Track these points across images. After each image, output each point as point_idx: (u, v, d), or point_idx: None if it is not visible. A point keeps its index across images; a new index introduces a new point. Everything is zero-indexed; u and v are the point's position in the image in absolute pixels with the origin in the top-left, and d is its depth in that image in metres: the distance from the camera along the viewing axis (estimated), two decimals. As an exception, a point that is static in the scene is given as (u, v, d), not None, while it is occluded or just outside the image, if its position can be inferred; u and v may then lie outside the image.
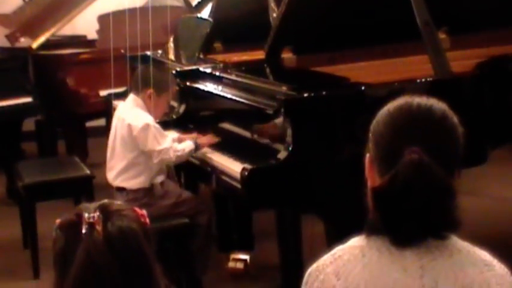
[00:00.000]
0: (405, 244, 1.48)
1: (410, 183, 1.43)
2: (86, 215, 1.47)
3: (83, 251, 1.44)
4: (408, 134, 1.49)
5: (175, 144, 3.83)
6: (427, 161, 1.44)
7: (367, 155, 1.57)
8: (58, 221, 1.52)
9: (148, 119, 3.85)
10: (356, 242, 1.54)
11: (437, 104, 1.53)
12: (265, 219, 4.43)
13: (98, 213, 1.47)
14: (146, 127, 3.80)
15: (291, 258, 3.80)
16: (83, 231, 1.46)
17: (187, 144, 3.82)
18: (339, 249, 1.55)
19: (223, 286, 4.23)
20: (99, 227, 1.46)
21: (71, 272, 1.43)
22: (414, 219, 1.44)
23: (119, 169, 3.93)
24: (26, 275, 4.50)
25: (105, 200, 1.56)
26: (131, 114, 3.91)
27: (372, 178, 1.54)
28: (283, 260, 3.92)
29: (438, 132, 1.50)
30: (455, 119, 1.53)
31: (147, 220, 1.55)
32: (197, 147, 3.79)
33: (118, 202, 1.58)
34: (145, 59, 4.88)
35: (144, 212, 1.56)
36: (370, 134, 1.55)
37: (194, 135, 3.92)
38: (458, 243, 1.52)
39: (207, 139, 3.81)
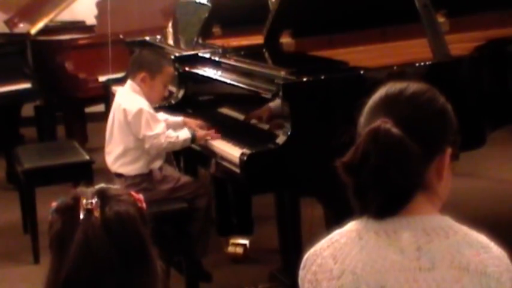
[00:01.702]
0: (379, 214, 1.50)
1: (368, 148, 1.46)
2: (84, 201, 1.47)
3: (80, 237, 1.44)
4: (380, 111, 1.53)
5: (170, 131, 3.82)
6: (385, 127, 1.47)
7: None
8: (54, 204, 1.52)
9: (143, 103, 3.84)
10: (353, 225, 1.56)
11: (414, 85, 1.57)
12: (264, 203, 4.44)
13: (95, 199, 1.47)
14: (139, 112, 3.79)
15: (291, 241, 3.81)
16: (81, 216, 1.46)
17: (183, 133, 3.79)
18: (336, 233, 1.57)
19: (223, 270, 4.25)
20: (96, 213, 1.46)
21: (69, 256, 1.44)
22: (373, 185, 1.46)
23: (116, 154, 3.93)
24: (26, 259, 4.52)
25: (103, 185, 1.55)
26: (127, 99, 3.91)
27: None
28: (283, 243, 3.94)
29: (408, 106, 1.53)
30: (435, 96, 1.56)
31: (144, 204, 1.55)
32: (194, 139, 3.75)
33: (115, 186, 1.58)
34: (143, 44, 4.89)
35: (140, 196, 1.56)
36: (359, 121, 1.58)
37: (199, 122, 3.90)
38: (455, 225, 1.53)
39: (206, 134, 3.72)
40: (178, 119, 3.98)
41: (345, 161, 1.49)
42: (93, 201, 1.47)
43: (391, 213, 1.50)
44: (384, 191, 1.47)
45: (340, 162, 1.50)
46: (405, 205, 1.50)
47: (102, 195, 1.49)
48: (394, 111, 1.51)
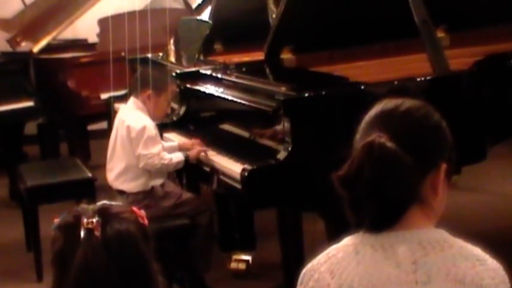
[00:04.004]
0: (375, 227, 1.51)
1: (363, 161, 1.47)
2: (85, 220, 1.47)
3: (81, 257, 1.44)
4: (374, 125, 1.54)
5: (164, 153, 3.85)
6: (380, 141, 1.48)
7: None
8: (57, 220, 1.52)
9: (147, 122, 3.87)
10: (349, 240, 1.56)
11: (409, 101, 1.58)
12: (266, 219, 4.44)
13: (96, 218, 1.47)
14: (143, 129, 3.82)
15: (293, 257, 3.81)
16: (82, 235, 1.46)
17: (176, 155, 3.87)
18: (333, 248, 1.57)
19: (226, 285, 4.25)
20: (97, 233, 1.45)
21: (70, 275, 1.44)
22: (368, 198, 1.47)
23: (118, 170, 3.95)
24: (30, 277, 4.52)
25: (105, 202, 1.55)
26: (131, 116, 3.94)
27: None
28: (285, 258, 3.94)
29: (402, 121, 1.54)
30: (429, 112, 1.57)
31: (146, 221, 1.55)
32: (187, 159, 3.83)
33: (117, 203, 1.58)
34: (145, 61, 4.90)
35: (142, 212, 1.56)
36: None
37: (194, 140, 3.94)
38: (450, 238, 1.53)
39: (197, 152, 3.81)
40: (174, 143, 4.02)
41: (340, 174, 1.51)
42: (94, 220, 1.46)
43: (386, 226, 1.51)
44: (378, 204, 1.48)
45: (335, 176, 1.52)
46: (399, 218, 1.51)
47: (103, 213, 1.49)
48: (389, 126, 1.52)
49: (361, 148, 1.49)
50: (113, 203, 1.57)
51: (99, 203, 1.55)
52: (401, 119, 1.54)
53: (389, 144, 1.47)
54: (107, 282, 1.44)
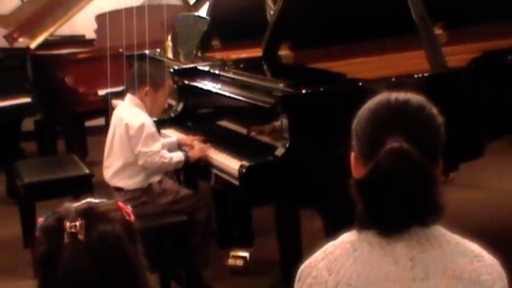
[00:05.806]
0: (391, 233, 1.50)
1: (392, 170, 1.45)
2: (68, 223, 1.43)
3: (65, 262, 1.42)
4: (388, 125, 1.52)
5: (164, 151, 3.84)
6: (407, 148, 1.46)
7: (352, 154, 1.59)
8: (40, 220, 1.50)
9: (145, 119, 3.86)
10: (347, 237, 1.56)
11: (414, 97, 1.57)
12: (264, 215, 4.44)
13: (79, 221, 1.44)
14: (141, 127, 3.81)
15: (291, 253, 3.81)
16: (65, 240, 1.43)
17: (176, 155, 3.84)
18: (330, 245, 1.57)
19: (223, 282, 4.24)
20: (81, 236, 1.43)
21: (54, 280, 1.42)
22: (397, 207, 1.46)
23: (115, 168, 3.93)
24: (27, 274, 4.50)
25: (90, 200, 1.52)
26: (129, 113, 3.92)
27: (359, 174, 1.56)
28: (283, 255, 3.94)
29: (416, 122, 1.53)
30: (433, 110, 1.57)
31: (132, 216, 1.52)
32: (187, 159, 3.80)
33: (102, 200, 1.54)
34: (142, 57, 4.89)
35: (128, 208, 1.53)
36: (353, 132, 1.58)
37: (192, 137, 3.93)
38: (447, 235, 1.54)
39: (198, 152, 3.78)
40: (173, 139, 4.00)
41: (361, 179, 1.49)
42: (77, 223, 1.43)
43: (400, 229, 1.50)
44: (407, 210, 1.47)
45: (355, 181, 1.50)
46: (417, 223, 1.50)
47: (87, 214, 1.46)
48: (404, 128, 1.50)
49: (388, 154, 1.46)
50: (98, 200, 1.53)
51: (84, 201, 1.51)
52: (414, 121, 1.53)
53: (414, 151, 1.46)
54: (92, 286, 1.42)
